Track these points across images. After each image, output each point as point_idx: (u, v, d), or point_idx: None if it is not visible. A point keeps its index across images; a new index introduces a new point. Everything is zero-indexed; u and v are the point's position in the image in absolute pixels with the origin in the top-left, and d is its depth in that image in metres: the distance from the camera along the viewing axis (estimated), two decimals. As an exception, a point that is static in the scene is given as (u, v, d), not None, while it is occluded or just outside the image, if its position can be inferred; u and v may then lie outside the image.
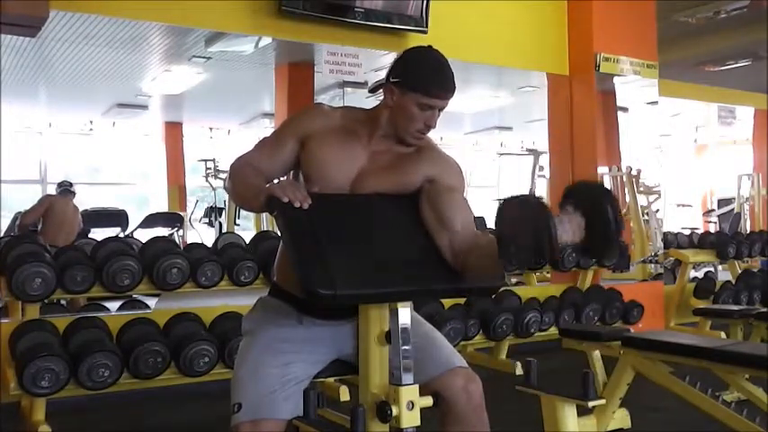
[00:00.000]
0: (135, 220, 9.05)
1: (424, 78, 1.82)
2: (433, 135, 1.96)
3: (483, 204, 10.71)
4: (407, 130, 1.86)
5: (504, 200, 1.61)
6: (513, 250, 1.53)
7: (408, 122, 1.85)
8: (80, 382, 3.34)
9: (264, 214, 6.88)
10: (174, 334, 3.84)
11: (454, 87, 1.85)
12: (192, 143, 12.02)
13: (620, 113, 6.32)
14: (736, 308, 4.76)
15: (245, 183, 1.84)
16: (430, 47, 1.90)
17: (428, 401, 1.73)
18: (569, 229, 1.56)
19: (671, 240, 6.48)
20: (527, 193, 1.70)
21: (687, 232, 7.16)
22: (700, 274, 7.13)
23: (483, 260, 1.70)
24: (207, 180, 10.08)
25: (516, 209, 1.57)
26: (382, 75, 1.93)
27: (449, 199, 1.83)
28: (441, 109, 1.85)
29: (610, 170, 6.34)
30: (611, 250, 1.58)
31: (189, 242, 7.72)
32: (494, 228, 1.60)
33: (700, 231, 8.16)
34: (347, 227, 1.77)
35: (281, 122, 2.07)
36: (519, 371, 4.38)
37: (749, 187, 10.65)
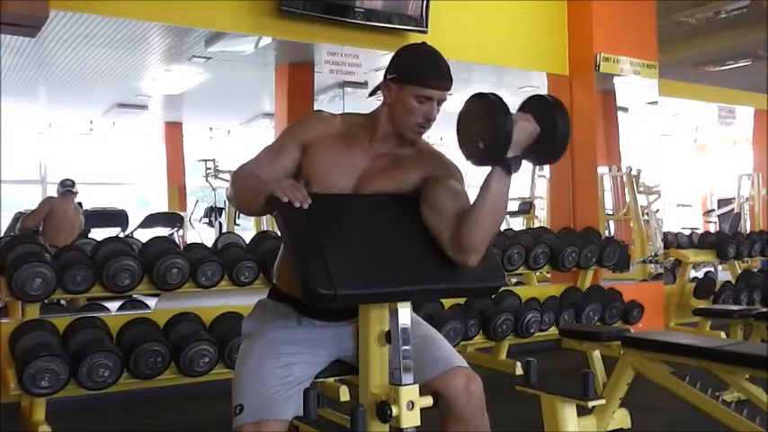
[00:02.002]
0: (135, 220, 9.04)
1: (419, 70, 1.84)
2: (433, 135, 1.97)
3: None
4: (408, 124, 1.87)
5: (468, 99, 1.76)
6: (471, 141, 1.72)
7: (408, 116, 1.85)
8: (80, 382, 3.34)
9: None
10: (174, 334, 3.84)
11: (451, 78, 1.86)
12: (191, 143, 12.02)
13: (620, 113, 6.32)
14: (736, 308, 4.76)
15: (246, 187, 1.85)
16: (424, 43, 1.93)
17: (428, 401, 1.73)
18: (522, 128, 1.72)
19: (671, 240, 6.48)
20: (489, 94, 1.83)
21: (687, 232, 7.17)
22: (700, 274, 7.13)
23: (476, 230, 1.74)
24: (207, 180, 10.08)
25: (477, 105, 1.74)
26: (382, 75, 1.93)
27: (448, 194, 1.82)
28: (440, 102, 1.86)
29: (610, 170, 6.34)
30: (558, 154, 1.78)
31: (189, 242, 7.71)
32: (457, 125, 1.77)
33: (700, 231, 8.16)
34: (347, 227, 1.77)
35: (281, 129, 2.08)
36: (519, 371, 4.38)
37: (749, 187, 10.65)
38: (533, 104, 1.80)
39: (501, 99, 1.71)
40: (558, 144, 1.76)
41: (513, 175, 1.80)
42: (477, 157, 1.76)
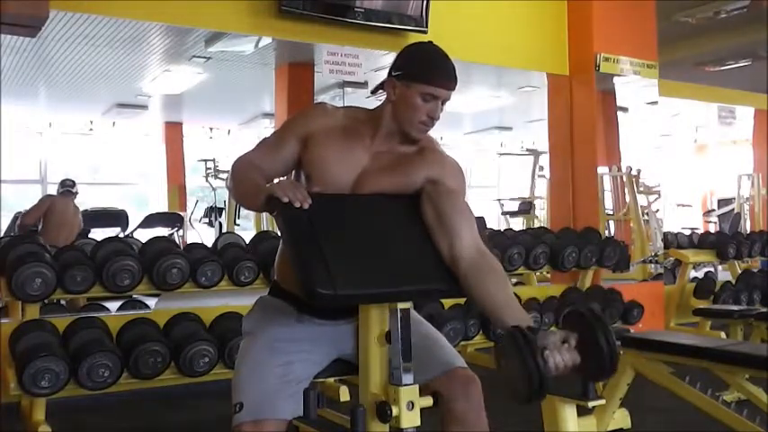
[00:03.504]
0: (135, 220, 9.05)
1: (426, 69, 1.83)
2: (432, 135, 1.96)
3: (483, 204, 10.76)
4: (411, 122, 1.86)
5: (499, 342, 1.63)
6: (511, 391, 1.58)
7: (412, 114, 1.85)
8: (80, 382, 3.33)
9: (265, 214, 6.88)
10: (174, 334, 3.84)
11: (456, 78, 1.86)
12: (191, 143, 12.02)
13: (620, 113, 6.32)
14: (736, 308, 4.76)
15: (246, 182, 1.84)
16: (430, 42, 1.92)
17: (428, 401, 1.73)
18: (560, 364, 1.60)
19: (671, 240, 6.47)
20: (520, 332, 1.71)
21: (687, 232, 7.16)
22: (700, 274, 7.13)
23: (482, 289, 1.72)
24: (207, 180, 10.09)
25: (510, 352, 1.58)
26: (382, 75, 1.93)
27: (450, 200, 1.83)
28: (444, 102, 1.86)
29: (610, 170, 6.34)
30: (605, 376, 1.68)
31: (189, 242, 7.72)
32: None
33: (700, 231, 8.16)
34: (347, 227, 1.77)
35: (282, 121, 2.07)
36: (519, 371, 4.37)
37: (749, 187, 10.65)
38: (573, 323, 1.68)
39: (528, 339, 1.54)
40: (606, 368, 1.63)
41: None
42: (517, 399, 1.60)
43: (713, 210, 12.54)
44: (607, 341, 1.60)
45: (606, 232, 6.04)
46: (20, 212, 7.23)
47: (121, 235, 7.92)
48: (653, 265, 6.43)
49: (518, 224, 9.67)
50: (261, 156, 1.90)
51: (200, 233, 9.91)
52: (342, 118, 1.92)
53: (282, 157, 1.89)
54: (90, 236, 6.82)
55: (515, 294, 5.23)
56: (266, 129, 10.88)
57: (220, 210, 9.90)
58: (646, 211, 7.03)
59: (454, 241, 1.77)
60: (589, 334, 1.63)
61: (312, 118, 1.92)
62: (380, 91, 1.93)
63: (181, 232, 9.66)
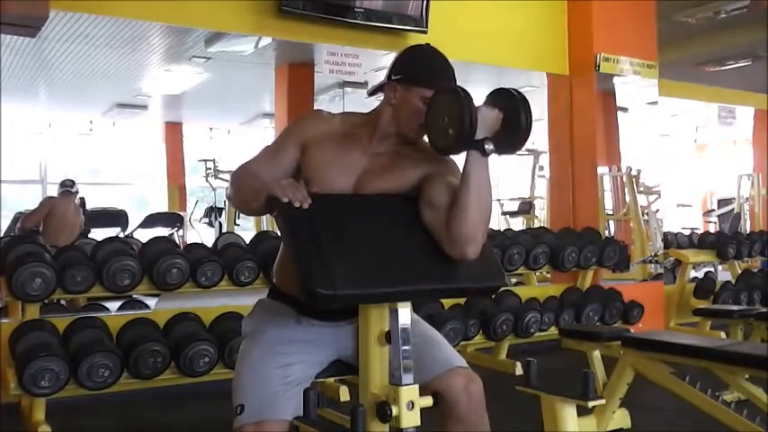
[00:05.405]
0: (135, 220, 9.05)
1: (427, 72, 1.85)
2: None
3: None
4: (412, 125, 1.87)
5: (435, 92, 1.81)
6: (441, 132, 1.78)
7: (413, 117, 1.86)
8: (80, 382, 3.33)
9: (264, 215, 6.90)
10: (174, 334, 3.84)
11: (455, 80, 1.87)
12: (192, 143, 12.03)
13: (620, 113, 6.32)
14: (736, 308, 4.76)
15: (246, 187, 1.85)
16: (428, 44, 1.94)
17: (428, 401, 1.73)
18: (487, 117, 1.76)
19: (671, 240, 6.48)
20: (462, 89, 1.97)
21: (687, 232, 7.16)
22: (700, 274, 7.13)
23: (465, 218, 1.74)
24: (207, 180, 10.09)
25: (441, 100, 1.79)
26: (382, 75, 1.94)
27: (443, 187, 1.82)
28: None
29: (610, 170, 6.34)
30: (520, 143, 1.82)
31: (189, 242, 7.71)
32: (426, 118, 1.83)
33: (700, 231, 8.16)
34: (347, 227, 1.77)
35: (281, 128, 2.09)
36: (519, 371, 4.38)
37: (749, 187, 10.65)
38: (495, 97, 1.84)
39: (464, 89, 1.75)
40: (522, 129, 1.78)
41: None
42: (449, 145, 1.78)
43: (713, 210, 12.54)
44: (523, 107, 1.78)
45: (606, 232, 6.04)
46: (20, 213, 7.23)
47: (121, 235, 7.91)
48: (653, 265, 6.43)
49: (518, 224, 9.67)
50: (260, 165, 1.91)
51: (200, 233, 9.91)
52: (339, 123, 1.94)
53: (282, 164, 1.90)
54: (90, 236, 6.82)
55: (514, 293, 5.20)
56: (266, 129, 10.88)
57: (220, 210, 9.90)
58: (646, 211, 7.03)
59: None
60: (509, 103, 1.79)
61: (310, 124, 1.94)
62: (378, 93, 1.94)
63: (181, 232, 9.67)
